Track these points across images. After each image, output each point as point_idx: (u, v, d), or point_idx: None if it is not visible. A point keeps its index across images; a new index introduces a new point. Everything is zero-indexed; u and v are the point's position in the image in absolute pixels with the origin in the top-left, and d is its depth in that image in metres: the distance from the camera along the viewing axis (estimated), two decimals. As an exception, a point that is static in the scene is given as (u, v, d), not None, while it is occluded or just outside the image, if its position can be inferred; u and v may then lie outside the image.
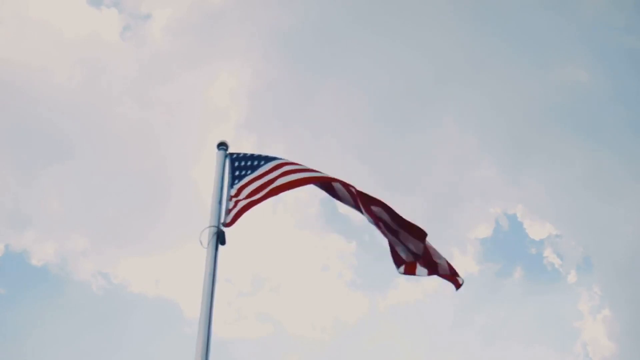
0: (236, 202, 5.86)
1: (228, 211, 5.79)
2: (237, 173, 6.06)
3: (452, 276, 6.30)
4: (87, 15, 22.03)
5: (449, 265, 6.27)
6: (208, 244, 5.48)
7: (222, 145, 6.22)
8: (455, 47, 22.49)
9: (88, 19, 21.93)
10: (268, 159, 6.11)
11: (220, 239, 5.57)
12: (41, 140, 20.66)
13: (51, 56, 21.02)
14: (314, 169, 6.11)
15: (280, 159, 6.12)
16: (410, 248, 6.08)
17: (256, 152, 6.23)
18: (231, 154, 6.19)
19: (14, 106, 20.42)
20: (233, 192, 5.94)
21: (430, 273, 6.27)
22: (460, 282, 6.32)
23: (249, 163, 6.10)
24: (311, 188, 6.33)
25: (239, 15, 22.61)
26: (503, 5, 22.92)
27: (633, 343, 20.14)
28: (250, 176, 6.01)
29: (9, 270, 20.93)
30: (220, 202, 5.82)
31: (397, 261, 6.23)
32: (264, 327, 21.77)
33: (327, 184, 6.17)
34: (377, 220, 6.03)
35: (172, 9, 22.90)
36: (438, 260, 6.24)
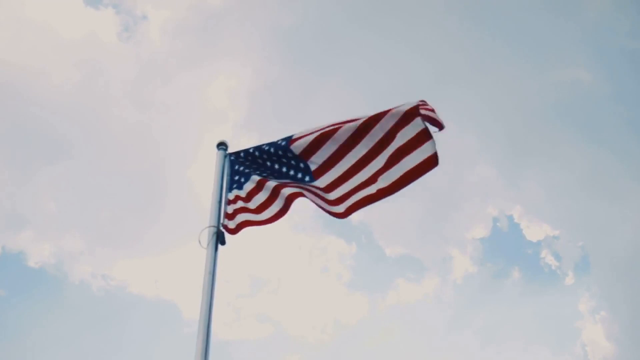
0: (235, 211, 5.85)
1: (227, 215, 5.80)
2: (236, 177, 6.04)
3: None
4: (85, 16, 22.04)
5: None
6: (208, 244, 5.47)
7: (222, 145, 6.20)
8: (455, 48, 22.53)
9: (86, 20, 21.94)
10: (266, 175, 6.01)
11: (220, 239, 5.56)
12: (39, 141, 20.66)
13: (49, 57, 21.02)
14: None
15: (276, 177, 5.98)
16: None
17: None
18: (231, 154, 6.18)
19: (11, 107, 20.41)
20: (231, 196, 5.92)
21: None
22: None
23: (247, 171, 6.07)
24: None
25: (238, 16, 22.62)
26: (503, 7, 22.95)
27: (632, 343, 20.14)
28: (249, 185, 5.97)
29: (6, 270, 20.91)
30: (220, 202, 5.80)
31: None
32: (264, 328, 21.79)
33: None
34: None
35: (170, 9, 22.90)
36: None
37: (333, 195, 5.76)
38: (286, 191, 5.86)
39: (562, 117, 22.91)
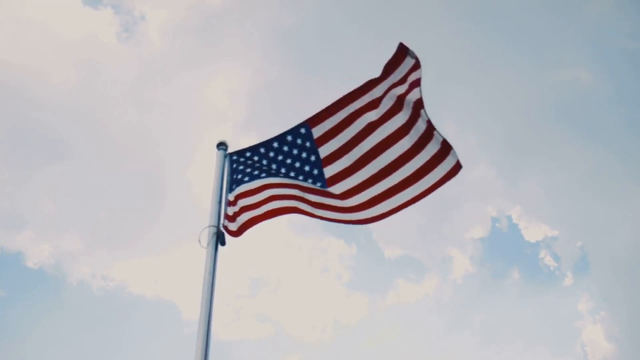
0: (234, 213, 5.82)
1: (227, 216, 5.77)
2: (235, 177, 6.02)
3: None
4: (84, 17, 22.02)
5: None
6: (208, 244, 5.45)
7: (222, 145, 6.18)
8: (455, 48, 22.52)
9: (85, 21, 21.92)
10: (270, 173, 5.97)
11: (220, 239, 5.54)
12: (38, 141, 20.64)
13: (48, 58, 20.99)
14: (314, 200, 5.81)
15: (283, 176, 5.93)
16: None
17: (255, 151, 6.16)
18: (231, 154, 6.16)
19: (10, 107, 20.39)
20: (231, 197, 5.89)
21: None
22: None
23: (248, 170, 6.04)
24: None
25: (238, 16, 22.61)
26: (503, 7, 22.95)
27: (632, 343, 20.14)
28: (249, 184, 5.94)
29: (5, 271, 20.88)
30: (219, 203, 5.78)
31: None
32: (264, 328, 21.78)
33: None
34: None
35: (169, 9, 22.90)
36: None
37: (350, 202, 5.77)
38: (283, 203, 5.85)
39: (562, 117, 22.93)
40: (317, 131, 5.93)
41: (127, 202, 21.63)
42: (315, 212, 5.84)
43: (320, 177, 5.87)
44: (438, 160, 5.61)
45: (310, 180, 5.88)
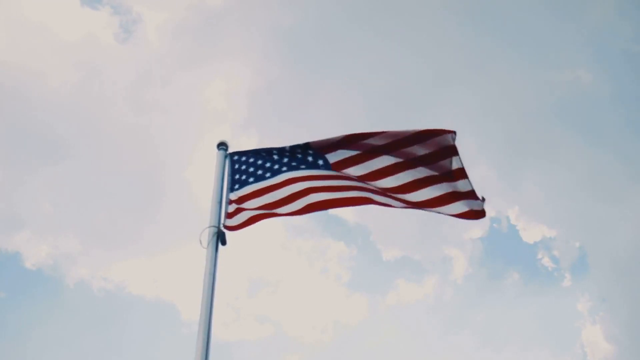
0: (237, 209, 5.79)
1: (228, 214, 5.76)
2: (237, 177, 5.99)
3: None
4: (83, 17, 22.00)
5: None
6: (208, 244, 5.45)
7: (222, 145, 6.17)
8: (456, 49, 22.53)
9: (84, 21, 21.91)
10: (274, 171, 5.92)
11: (221, 239, 5.53)
12: (36, 142, 20.60)
13: (47, 58, 20.97)
14: (327, 186, 5.76)
15: (287, 171, 5.89)
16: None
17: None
18: (231, 154, 6.15)
19: (9, 107, 20.37)
20: (233, 197, 5.87)
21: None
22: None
23: (251, 170, 6.01)
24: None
25: (238, 16, 22.61)
26: (504, 8, 22.97)
27: (632, 344, 20.14)
28: (253, 186, 5.91)
29: (2, 272, 20.85)
30: (220, 203, 5.78)
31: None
32: (264, 329, 21.77)
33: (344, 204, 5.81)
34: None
35: (168, 9, 22.89)
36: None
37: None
38: (313, 197, 5.78)
39: (561, 117, 22.94)
40: (331, 157, 5.84)
41: (127, 202, 21.62)
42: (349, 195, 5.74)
43: (326, 165, 5.84)
44: (464, 196, 5.76)
45: (320, 162, 5.84)
